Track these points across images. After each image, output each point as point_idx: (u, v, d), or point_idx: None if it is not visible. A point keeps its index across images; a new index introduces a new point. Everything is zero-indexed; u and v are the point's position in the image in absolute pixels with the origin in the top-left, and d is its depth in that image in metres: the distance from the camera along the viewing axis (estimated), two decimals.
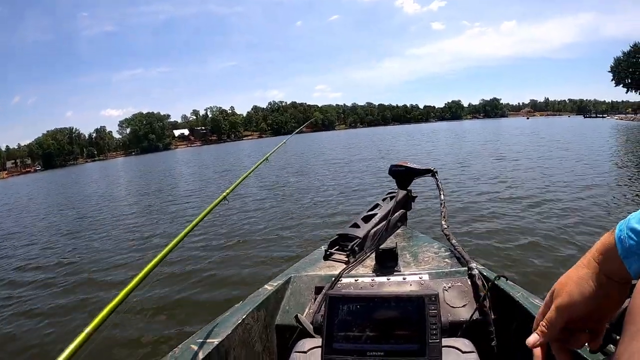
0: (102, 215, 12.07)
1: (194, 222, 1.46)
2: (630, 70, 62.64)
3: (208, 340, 1.31)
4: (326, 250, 2.04)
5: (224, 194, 1.71)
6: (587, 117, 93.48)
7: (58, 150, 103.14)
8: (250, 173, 2.11)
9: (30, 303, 5.27)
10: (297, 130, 3.99)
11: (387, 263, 1.79)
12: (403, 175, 2.59)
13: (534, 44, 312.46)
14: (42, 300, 5.33)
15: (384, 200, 2.46)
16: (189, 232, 1.39)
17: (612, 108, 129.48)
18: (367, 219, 2.20)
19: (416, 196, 2.62)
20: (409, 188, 2.58)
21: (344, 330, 1.07)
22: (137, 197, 16.51)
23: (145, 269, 1.11)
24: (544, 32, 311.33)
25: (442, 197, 2.42)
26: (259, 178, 14.92)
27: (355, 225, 2.14)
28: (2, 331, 4.52)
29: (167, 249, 1.23)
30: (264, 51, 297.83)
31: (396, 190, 2.52)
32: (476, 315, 1.41)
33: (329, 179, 14.16)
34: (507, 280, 1.52)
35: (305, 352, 1.16)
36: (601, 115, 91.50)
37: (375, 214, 2.24)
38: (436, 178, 2.57)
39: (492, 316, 1.41)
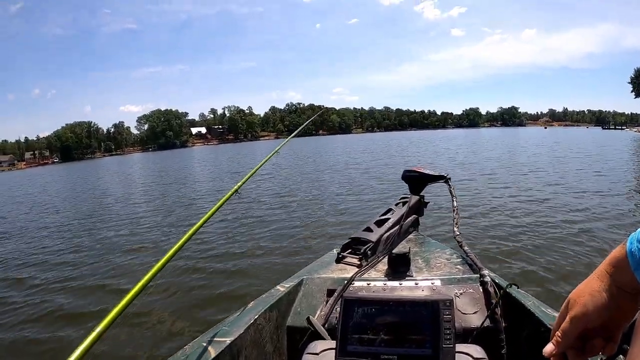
0: (118, 207, 12.20)
1: (208, 213, 1.47)
2: None
3: (220, 339, 1.31)
4: (338, 253, 2.03)
5: (236, 187, 1.73)
6: (605, 128, 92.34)
7: (76, 144, 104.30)
8: (260, 166, 2.12)
9: (40, 300, 5.24)
10: (304, 124, 4.02)
11: (399, 268, 1.80)
12: (416, 180, 2.58)
13: (554, 53, 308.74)
14: (55, 292, 5.39)
15: (396, 205, 2.44)
16: (204, 223, 1.41)
17: (632, 120, 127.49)
18: (380, 223, 2.18)
19: (428, 202, 2.60)
20: (421, 194, 2.57)
21: (358, 332, 1.08)
22: (156, 190, 16.60)
23: (163, 259, 1.12)
24: (564, 42, 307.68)
25: (454, 204, 2.43)
26: (273, 180, 14.96)
27: (368, 229, 2.12)
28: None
29: (183, 239, 1.24)
30: (283, 52, 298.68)
31: (409, 196, 2.50)
32: (487, 323, 1.41)
33: (344, 182, 14.22)
34: (518, 288, 1.53)
35: (317, 354, 1.15)
36: (620, 127, 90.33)
37: (388, 219, 2.23)
38: (449, 185, 2.56)
39: (503, 324, 1.41)
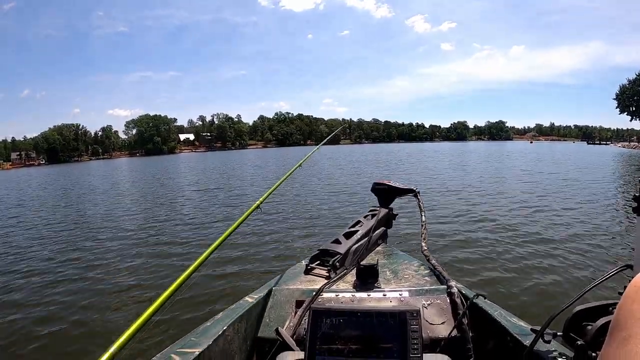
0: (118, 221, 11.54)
1: (231, 228, 1.52)
2: (635, 98, 62.66)
3: (188, 350, 1.31)
4: (307, 265, 2.06)
5: (258, 202, 1.75)
6: (590, 143, 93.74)
7: (63, 146, 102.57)
8: (284, 180, 2.15)
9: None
10: (327, 139, 4.12)
11: (367, 279, 1.83)
12: (385, 193, 2.63)
13: (542, 69, 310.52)
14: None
15: (365, 217, 2.48)
16: (227, 236, 1.47)
17: (617, 135, 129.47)
18: (348, 235, 2.22)
19: (397, 214, 2.64)
20: (390, 206, 2.60)
21: (326, 343, 1.09)
22: (154, 199, 16.20)
23: (187, 272, 1.19)
24: (552, 58, 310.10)
25: (423, 217, 2.45)
26: (245, 188, 14.77)
27: (337, 241, 2.16)
28: None
29: (206, 252, 1.32)
30: (274, 62, 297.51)
31: (378, 208, 2.54)
32: (455, 333, 1.44)
33: (314, 193, 14.27)
34: (485, 299, 1.56)
35: None
36: (605, 143, 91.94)
37: (357, 231, 2.27)
38: (418, 198, 2.59)
39: (471, 334, 1.44)
